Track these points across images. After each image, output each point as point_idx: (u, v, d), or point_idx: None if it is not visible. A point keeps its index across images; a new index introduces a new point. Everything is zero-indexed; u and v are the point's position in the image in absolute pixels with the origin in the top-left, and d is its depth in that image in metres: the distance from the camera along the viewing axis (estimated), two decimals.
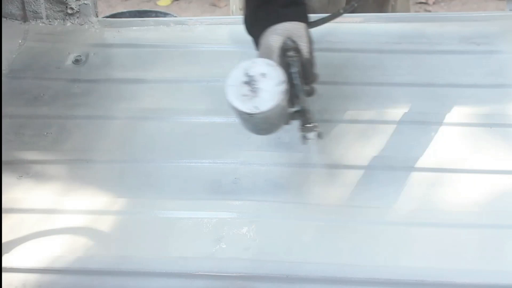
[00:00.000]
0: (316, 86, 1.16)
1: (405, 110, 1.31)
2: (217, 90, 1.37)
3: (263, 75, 1.03)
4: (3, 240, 1.09)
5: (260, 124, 1.08)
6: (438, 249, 1.06)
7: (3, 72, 1.44)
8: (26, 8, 1.55)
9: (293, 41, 1.10)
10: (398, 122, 1.28)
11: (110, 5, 3.56)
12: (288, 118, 1.10)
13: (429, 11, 3.44)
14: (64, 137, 1.30)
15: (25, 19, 1.56)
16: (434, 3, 3.49)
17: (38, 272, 1.06)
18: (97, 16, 1.58)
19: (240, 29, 1.54)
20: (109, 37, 1.54)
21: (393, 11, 1.75)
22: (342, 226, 1.10)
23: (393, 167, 1.20)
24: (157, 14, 2.75)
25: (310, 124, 1.08)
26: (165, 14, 2.75)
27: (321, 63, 1.42)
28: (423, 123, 1.27)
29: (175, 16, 2.65)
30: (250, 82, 1.03)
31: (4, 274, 1.04)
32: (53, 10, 1.55)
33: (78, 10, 1.55)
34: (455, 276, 1.02)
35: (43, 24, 1.56)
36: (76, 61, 1.47)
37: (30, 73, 1.45)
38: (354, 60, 1.43)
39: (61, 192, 1.19)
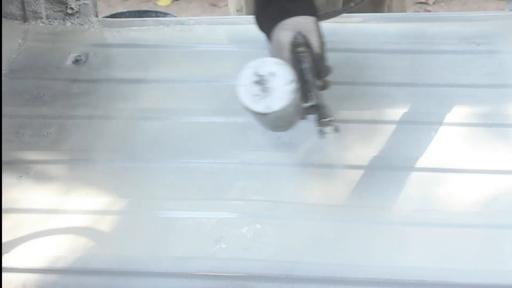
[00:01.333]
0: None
1: (405, 110, 1.31)
2: (217, 90, 1.38)
3: (273, 74, 1.03)
4: (3, 240, 1.09)
5: (275, 122, 1.09)
6: (438, 249, 1.06)
7: (3, 72, 1.44)
8: (26, 8, 1.55)
9: (303, 36, 1.09)
10: (398, 122, 1.28)
11: (110, 5, 3.56)
12: (303, 113, 1.11)
13: (429, 11, 3.44)
14: (64, 137, 1.30)
15: (25, 19, 1.56)
16: (434, 3, 3.49)
17: (38, 272, 1.06)
18: (97, 16, 1.58)
19: (239, 29, 1.54)
20: (109, 37, 1.54)
21: (389, 11, 1.75)
22: (342, 226, 1.10)
23: (393, 167, 1.20)
24: (157, 14, 2.75)
25: (326, 118, 1.08)
26: (165, 14, 2.75)
27: None
28: (423, 123, 1.27)
29: (175, 16, 2.65)
30: (260, 81, 1.03)
31: (4, 274, 1.04)
32: (53, 10, 1.55)
33: (78, 10, 1.55)
34: (455, 276, 1.02)
35: (43, 24, 1.56)
36: (76, 61, 1.47)
37: (30, 73, 1.45)
38: (354, 60, 1.43)
39: (61, 192, 1.19)
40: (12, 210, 1.15)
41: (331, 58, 1.42)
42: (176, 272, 1.05)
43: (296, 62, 1.08)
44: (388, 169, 1.19)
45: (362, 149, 1.23)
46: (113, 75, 1.43)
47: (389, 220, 1.11)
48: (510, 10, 1.56)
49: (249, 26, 1.53)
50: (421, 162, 1.20)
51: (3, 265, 1.05)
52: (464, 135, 1.25)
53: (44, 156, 1.26)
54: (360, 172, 1.19)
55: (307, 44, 1.09)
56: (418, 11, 3.42)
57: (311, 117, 1.10)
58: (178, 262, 1.06)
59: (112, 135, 1.30)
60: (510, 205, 1.12)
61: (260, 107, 1.02)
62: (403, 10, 1.84)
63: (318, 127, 1.09)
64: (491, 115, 1.28)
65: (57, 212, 1.15)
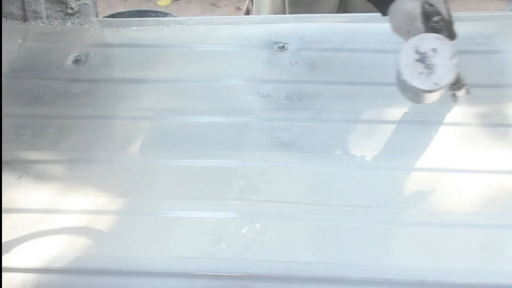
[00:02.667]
0: (317, 85, 1.16)
1: (405, 110, 1.31)
2: (217, 90, 1.38)
3: (434, 50, 1.06)
4: (3, 240, 1.09)
5: (437, 96, 1.11)
6: (438, 249, 1.06)
7: (3, 72, 1.44)
8: (26, 8, 1.55)
9: (431, 5, 1.11)
10: (398, 122, 1.28)
11: (110, 5, 3.56)
12: None
13: None
14: (64, 137, 1.30)
15: (25, 19, 1.56)
16: None
17: (37, 272, 1.06)
18: (97, 16, 1.58)
19: (240, 29, 1.54)
20: (109, 37, 1.54)
21: None
22: (343, 226, 1.10)
23: (393, 167, 1.20)
24: (157, 14, 2.75)
25: (459, 82, 1.13)
26: (165, 14, 2.75)
27: (322, 63, 1.43)
28: (423, 123, 1.27)
29: (175, 16, 2.65)
30: (423, 59, 1.06)
31: (4, 274, 1.04)
32: (53, 10, 1.55)
33: (78, 10, 1.55)
34: (455, 276, 1.02)
35: (43, 24, 1.56)
36: (76, 61, 1.47)
37: (30, 73, 1.45)
38: (354, 60, 1.43)
39: (61, 192, 1.19)
40: (12, 210, 1.15)
41: (331, 58, 1.43)
42: (176, 272, 1.05)
43: (431, 31, 1.10)
44: (388, 169, 1.19)
45: (362, 149, 1.23)
46: (113, 75, 1.43)
47: (389, 220, 1.11)
48: (510, 10, 1.56)
49: (249, 26, 1.54)
50: (421, 162, 1.20)
51: (3, 265, 1.05)
52: (464, 135, 1.25)
53: (44, 156, 1.26)
54: (360, 172, 1.19)
55: (438, 12, 1.11)
56: None
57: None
58: (178, 262, 1.06)
59: (112, 135, 1.30)
60: (510, 205, 1.12)
61: (428, 85, 1.05)
62: None
63: (451, 91, 1.14)
64: (491, 115, 1.28)
65: (57, 212, 1.15)
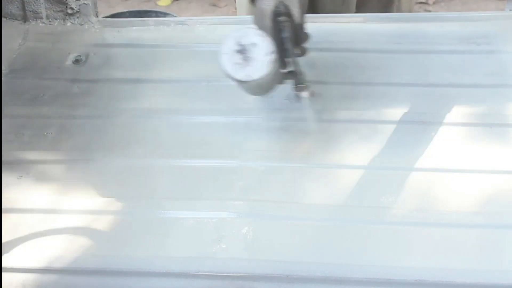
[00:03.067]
0: (317, 85, 1.17)
1: (405, 110, 1.31)
2: (217, 90, 1.38)
3: (254, 44, 1.10)
4: (3, 240, 1.09)
5: (255, 89, 1.17)
6: (438, 249, 1.06)
7: (3, 72, 1.44)
8: (26, 8, 1.55)
9: (285, 5, 1.13)
10: (398, 122, 1.28)
11: (110, 5, 3.57)
12: (281, 78, 1.18)
13: (429, 11, 3.44)
14: (64, 137, 1.30)
15: (25, 19, 1.56)
16: (434, 3, 3.49)
17: (37, 272, 1.06)
18: (97, 16, 1.58)
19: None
20: (109, 37, 1.54)
21: (398, 11, 1.75)
22: (342, 226, 1.10)
23: (393, 167, 1.20)
24: (157, 14, 2.75)
25: (302, 84, 1.16)
26: (165, 14, 2.76)
27: (322, 63, 1.43)
28: (423, 123, 1.27)
29: (175, 16, 2.66)
30: (242, 51, 1.10)
31: (4, 274, 1.04)
32: (53, 10, 1.55)
33: (78, 10, 1.55)
34: (455, 276, 1.02)
35: (43, 24, 1.56)
36: (76, 61, 1.47)
37: (30, 73, 1.45)
38: (354, 60, 1.43)
39: (61, 192, 1.19)
40: (12, 210, 1.15)
41: (331, 58, 1.43)
42: (176, 272, 1.05)
43: (277, 30, 1.12)
44: (388, 169, 1.19)
45: (362, 149, 1.23)
46: (113, 75, 1.43)
47: (389, 220, 1.11)
48: (510, 10, 1.56)
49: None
50: (421, 162, 1.20)
51: (3, 265, 1.05)
52: (464, 135, 1.25)
53: (44, 156, 1.26)
54: (360, 172, 1.19)
55: (288, 14, 1.13)
56: (418, 11, 3.42)
57: (289, 82, 1.18)
58: (178, 262, 1.06)
59: (112, 135, 1.30)
60: (510, 205, 1.12)
61: (241, 76, 1.10)
62: (411, 10, 1.84)
63: (295, 92, 1.17)
64: (491, 115, 1.28)
65: (57, 212, 1.15)
